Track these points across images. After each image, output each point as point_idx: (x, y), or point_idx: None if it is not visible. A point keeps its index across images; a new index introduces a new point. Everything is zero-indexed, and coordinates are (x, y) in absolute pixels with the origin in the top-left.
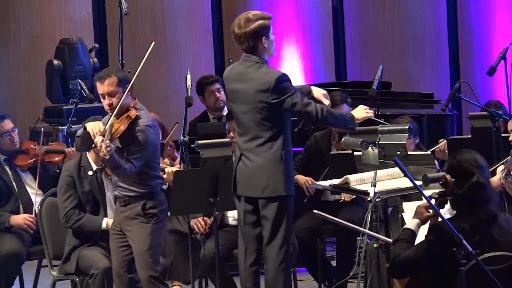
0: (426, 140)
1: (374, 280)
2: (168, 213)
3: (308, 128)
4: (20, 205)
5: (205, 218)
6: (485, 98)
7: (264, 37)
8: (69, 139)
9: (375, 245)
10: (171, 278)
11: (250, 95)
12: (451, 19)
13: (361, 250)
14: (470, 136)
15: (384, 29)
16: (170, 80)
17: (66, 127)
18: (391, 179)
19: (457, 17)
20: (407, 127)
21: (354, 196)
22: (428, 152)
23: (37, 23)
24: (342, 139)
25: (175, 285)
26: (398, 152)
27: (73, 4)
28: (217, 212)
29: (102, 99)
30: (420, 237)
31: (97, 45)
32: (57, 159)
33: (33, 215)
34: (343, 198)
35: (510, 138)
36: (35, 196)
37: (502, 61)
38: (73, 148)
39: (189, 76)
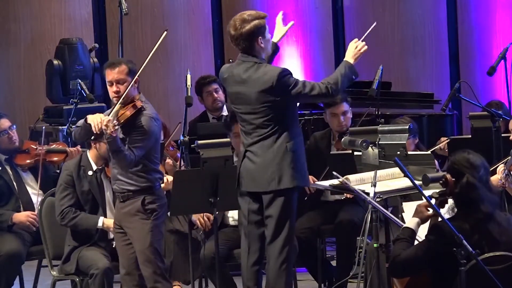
0: (426, 140)
1: (374, 280)
2: (168, 213)
3: (308, 128)
4: (21, 205)
5: (207, 214)
6: (485, 98)
7: (260, 37)
8: (69, 139)
9: (375, 245)
10: (171, 278)
11: (253, 97)
12: (451, 19)
13: (361, 250)
14: (470, 136)
15: (384, 29)
16: (170, 80)
17: (66, 127)
18: (391, 179)
19: (457, 17)
20: (407, 127)
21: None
22: (428, 152)
23: (37, 23)
24: (342, 139)
25: (175, 285)
26: (398, 152)
27: (73, 4)
28: (217, 212)
29: (109, 86)
30: (420, 236)
31: (97, 45)
32: (58, 159)
33: (35, 213)
34: (345, 195)
35: (511, 138)
36: (37, 196)
37: (502, 61)
38: (75, 148)
39: (189, 76)
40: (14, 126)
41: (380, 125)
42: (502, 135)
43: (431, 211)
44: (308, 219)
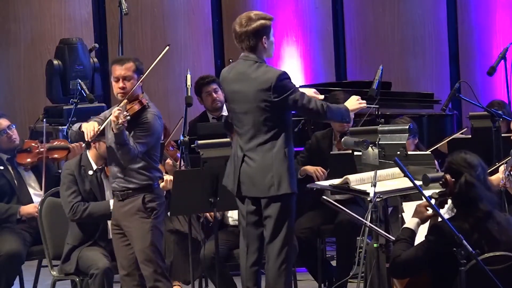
0: (426, 140)
1: (374, 280)
2: (168, 213)
3: (308, 128)
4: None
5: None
6: (485, 98)
7: (265, 37)
8: (69, 139)
9: (375, 245)
10: (171, 278)
11: (251, 95)
12: (451, 19)
13: (361, 250)
14: (470, 136)
15: (384, 29)
16: (170, 80)
17: (66, 127)
18: (391, 179)
19: (457, 17)
20: (407, 127)
21: None
22: (428, 152)
23: (37, 23)
24: (342, 139)
25: (175, 285)
26: (398, 152)
27: (73, 4)
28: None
29: (114, 82)
30: (420, 236)
31: (97, 45)
32: (61, 155)
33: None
34: None
35: None
36: (38, 196)
37: (502, 61)
38: (77, 144)
39: (189, 76)
40: (14, 126)
41: (380, 125)
42: (502, 135)
43: (430, 211)
44: (308, 219)
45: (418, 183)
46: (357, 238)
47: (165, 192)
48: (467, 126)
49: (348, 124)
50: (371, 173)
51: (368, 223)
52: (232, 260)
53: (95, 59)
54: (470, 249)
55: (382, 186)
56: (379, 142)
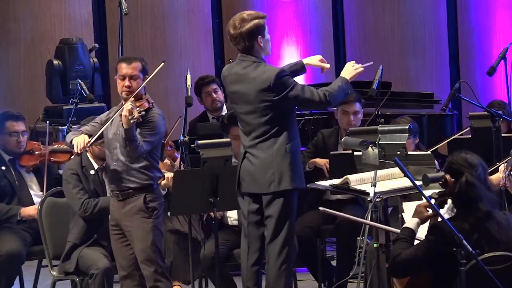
0: (426, 140)
1: (374, 280)
2: (168, 213)
3: (308, 128)
4: (22, 206)
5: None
6: (485, 98)
7: (260, 36)
8: None
9: (375, 245)
10: (171, 278)
11: (252, 95)
12: (451, 19)
13: (361, 250)
14: (470, 136)
15: (384, 29)
16: (170, 80)
17: (66, 127)
18: (391, 179)
19: (457, 17)
20: (407, 127)
21: None
22: (428, 152)
23: (37, 23)
24: (342, 139)
25: (175, 285)
26: (398, 152)
27: (73, 4)
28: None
29: (120, 80)
30: (420, 236)
31: (97, 45)
32: (63, 159)
33: None
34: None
35: None
36: (38, 198)
37: (502, 61)
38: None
39: (189, 76)
40: (26, 134)
41: (380, 125)
42: (502, 135)
43: (430, 211)
44: (309, 219)
45: (418, 183)
46: (357, 238)
47: (166, 190)
48: (468, 126)
49: (355, 124)
50: (371, 173)
51: (368, 221)
52: (232, 260)
53: (95, 59)
54: (470, 249)
55: (382, 186)
56: (379, 142)
